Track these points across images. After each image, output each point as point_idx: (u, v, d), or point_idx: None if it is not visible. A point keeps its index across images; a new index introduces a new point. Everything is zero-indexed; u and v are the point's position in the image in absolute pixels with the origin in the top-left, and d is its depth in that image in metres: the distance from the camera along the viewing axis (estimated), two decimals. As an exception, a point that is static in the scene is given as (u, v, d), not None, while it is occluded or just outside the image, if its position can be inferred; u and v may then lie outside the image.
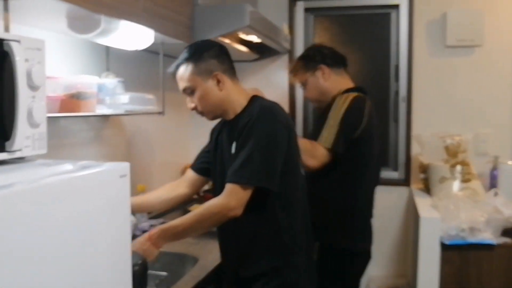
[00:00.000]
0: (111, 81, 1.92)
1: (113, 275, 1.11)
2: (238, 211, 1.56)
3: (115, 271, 1.12)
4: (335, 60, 2.19)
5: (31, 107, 1.08)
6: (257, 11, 2.27)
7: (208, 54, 1.65)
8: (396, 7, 2.96)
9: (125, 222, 1.15)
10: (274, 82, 3.08)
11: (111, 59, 2.21)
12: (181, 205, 2.29)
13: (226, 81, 1.66)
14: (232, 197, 1.55)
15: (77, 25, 1.58)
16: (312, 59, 2.18)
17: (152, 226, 2.20)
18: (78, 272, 0.98)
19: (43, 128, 1.14)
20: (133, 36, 1.82)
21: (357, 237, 2.12)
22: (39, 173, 1.03)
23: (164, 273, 1.97)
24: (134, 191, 2.20)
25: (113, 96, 1.93)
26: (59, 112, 1.62)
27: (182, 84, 1.67)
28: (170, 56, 2.46)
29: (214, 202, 1.59)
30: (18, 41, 1.05)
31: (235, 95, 1.69)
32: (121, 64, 2.26)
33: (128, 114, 2.00)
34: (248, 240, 1.67)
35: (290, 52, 3.01)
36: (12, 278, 0.81)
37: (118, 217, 1.12)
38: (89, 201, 1.02)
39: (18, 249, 0.82)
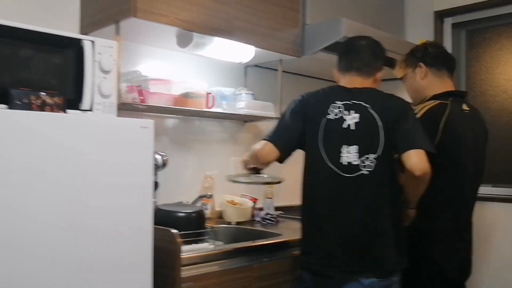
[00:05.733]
0: (226, 89, 2.44)
1: (132, 209, 1.58)
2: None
3: (136, 207, 1.59)
4: (438, 61, 2.11)
5: (100, 83, 1.68)
6: (356, 23, 2.47)
7: None
8: None
9: (147, 167, 1.62)
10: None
11: (248, 78, 2.77)
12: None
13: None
14: None
15: (178, 41, 2.17)
16: (414, 55, 2.15)
17: (267, 214, 2.57)
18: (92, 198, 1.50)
19: (112, 99, 1.72)
20: (230, 50, 2.33)
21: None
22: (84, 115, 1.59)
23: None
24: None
25: (231, 102, 2.45)
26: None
27: None
28: (288, 72, 2.87)
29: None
30: (92, 41, 1.67)
31: None
32: (255, 81, 2.80)
33: (239, 114, 2.48)
34: None
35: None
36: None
37: (139, 159, 1.60)
38: (112, 139, 1.54)
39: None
